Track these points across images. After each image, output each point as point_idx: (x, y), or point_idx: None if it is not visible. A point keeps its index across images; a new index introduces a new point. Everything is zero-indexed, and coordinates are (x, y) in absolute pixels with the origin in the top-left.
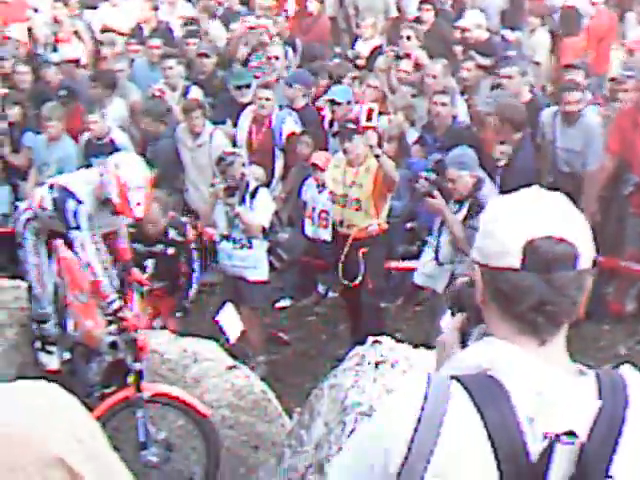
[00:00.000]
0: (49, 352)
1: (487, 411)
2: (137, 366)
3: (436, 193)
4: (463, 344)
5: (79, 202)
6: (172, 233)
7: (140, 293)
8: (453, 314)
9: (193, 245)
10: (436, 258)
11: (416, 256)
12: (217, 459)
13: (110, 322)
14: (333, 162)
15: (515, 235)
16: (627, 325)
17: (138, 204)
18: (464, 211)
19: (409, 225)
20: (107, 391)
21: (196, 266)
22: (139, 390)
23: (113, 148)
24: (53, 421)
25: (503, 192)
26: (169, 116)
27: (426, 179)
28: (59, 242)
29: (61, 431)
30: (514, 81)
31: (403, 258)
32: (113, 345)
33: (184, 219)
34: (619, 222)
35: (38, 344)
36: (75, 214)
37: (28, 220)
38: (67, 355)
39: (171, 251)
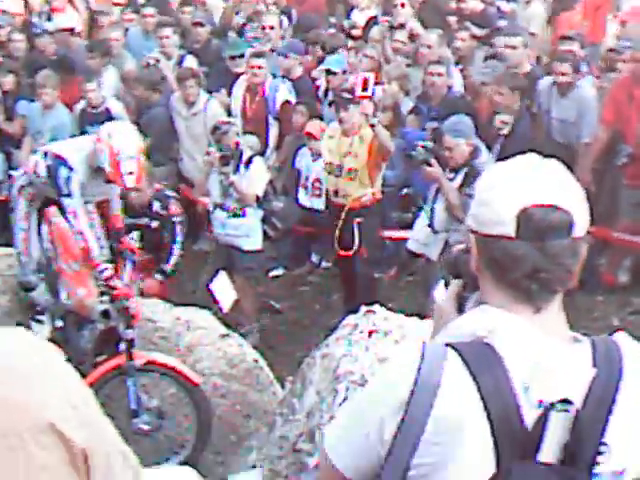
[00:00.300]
0: (39, 321)
1: (482, 378)
2: (129, 334)
3: (433, 161)
4: (460, 311)
5: (71, 170)
6: (156, 206)
7: (132, 262)
8: (447, 284)
9: (176, 219)
10: (430, 225)
11: (410, 224)
12: (208, 427)
13: (102, 291)
14: (328, 132)
15: (509, 203)
16: (620, 296)
17: (130, 173)
18: (460, 179)
19: (404, 191)
20: (99, 359)
21: (178, 239)
22: (131, 358)
23: (108, 117)
24: (48, 387)
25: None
26: (163, 84)
27: (423, 147)
28: (52, 209)
29: (56, 397)
30: (517, 52)
31: (398, 225)
32: (105, 313)
33: (170, 192)
34: (612, 193)
35: (29, 312)
36: (67, 181)
37: (22, 186)
38: (59, 323)
39: (155, 224)
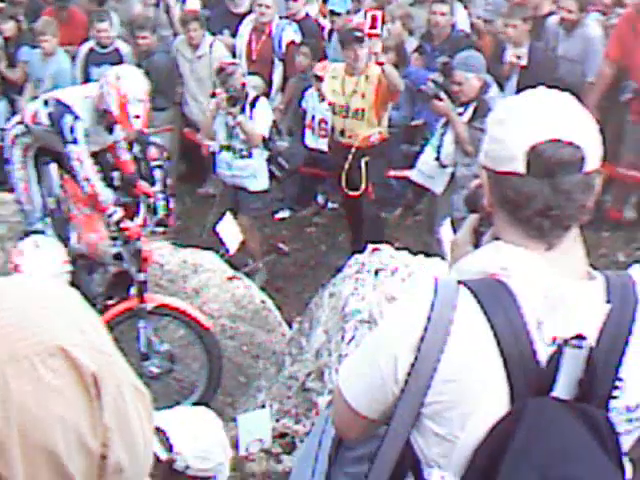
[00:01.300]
0: None
1: (495, 315)
2: (141, 277)
3: (442, 95)
4: (476, 246)
5: (76, 117)
6: (136, 149)
7: (147, 205)
8: (453, 222)
9: (155, 163)
10: (437, 158)
11: (418, 156)
12: (219, 370)
13: (114, 235)
14: (330, 73)
15: (520, 139)
16: (626, 232)
17: (137, 117)
18: (469, 113)
19: (413, 123)
20: (110, 302)
21: (157, 185)
22: (142, 301)
23: (118, 57)
24: (55, 312)
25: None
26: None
27: (433, 81)
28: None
29: (64, 322)
30: None
31: (404, 158)
32: (117, 256)
33: (154, 139)
34: (617, 129)
35: None
36: (72, 129)
37: (17, 136)
38: (69, 268)
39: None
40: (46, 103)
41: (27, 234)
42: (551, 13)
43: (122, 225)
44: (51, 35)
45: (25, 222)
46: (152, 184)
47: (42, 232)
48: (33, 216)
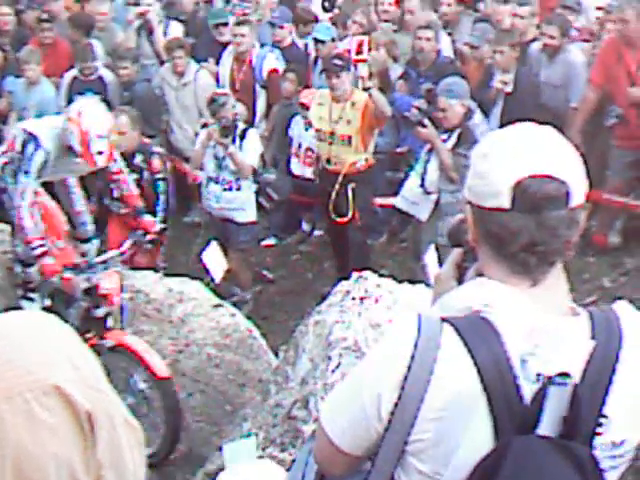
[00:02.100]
0: (30, 299)
1: (479, 353)
2: (98, 313)
3: (426, 122)
4: (460, 280)
5: (37, 147)
6: (138, 159)
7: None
8: (437, 248)
9: (159, 175)
10: (422, 185)
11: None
12: (177, 422)
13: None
14: (317, 100)
15: (504, 175)
16: (611, 257)
17: (100, 153)
18: (453, 140)
19: (397, 150)
20: (88, 336)
21: (161, 198)
22: (102, 338)
23: (101, 85)
24: (50, 349)
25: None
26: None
27: (417, 108)
28: (40, 189)
29: (58, 359)
30: (524, 21)
31: (389, 185)
32: (87, 291)
33: (156, 149)
34: (602, 154)
35: (20, 291)
36: (30, 158)
37: (6, 163)
38: (47, 302)
39: (133, 177)
40: (23, 131)
41: (20, 261)
42: (535, 39)
43: (41, 261)
44: (35, 64)
45: (20, 248)
46: (156, 196)
47: (32, 261)
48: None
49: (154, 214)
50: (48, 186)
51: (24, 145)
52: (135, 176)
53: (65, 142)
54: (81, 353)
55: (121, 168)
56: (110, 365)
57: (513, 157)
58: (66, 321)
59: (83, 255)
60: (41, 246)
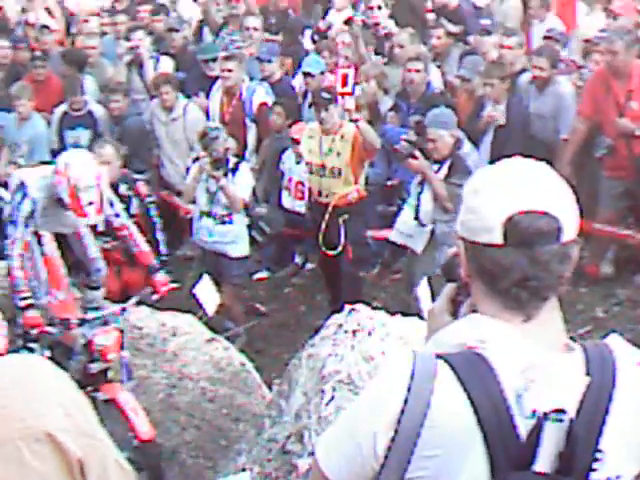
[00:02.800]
0: (30, 349)
1: (474, 390)
2: (92, 368)
3: (417, 153)
4: (455, 315)
5: (25, 195)
6: (122, 188)
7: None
8: (430, 280)
9: (149, 200)
10: (416, 217)
11: (394, 217)
12: None
13: (82, 321)
14: (307, 133)
15: (496, 210)
16: (603, 288)
17: (90, 203)
18: (444, 170)
19: (389, 183)
20: (89, 389)
21: (156, 220)
22: (97, 390)
23: (91, 120)
24: (44, 397)
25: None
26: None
27: (406, 141)
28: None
29: (52, 407)
30: (512, 52)
31: (381, 219)
32: (86, 345)
33: (136, 176)
34: (592, 185)
35: (20, 341)
36: (17, 207)
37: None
38: (47, 353)
39: (122, 207)
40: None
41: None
42: (524, 70)
43: (25, 313)
44: (26, 99)
45: (26, 294)
46: (152, 223)
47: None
48: (40, 291)
49: (155, 241)
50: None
51: (14, 192)
52: (123, 206)
53: (54, 194)
54: (74, 400)
55: (124, 223)
56: (109, 418)
57: (505, 192)
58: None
59: (89, 303)
60: (26, 298)
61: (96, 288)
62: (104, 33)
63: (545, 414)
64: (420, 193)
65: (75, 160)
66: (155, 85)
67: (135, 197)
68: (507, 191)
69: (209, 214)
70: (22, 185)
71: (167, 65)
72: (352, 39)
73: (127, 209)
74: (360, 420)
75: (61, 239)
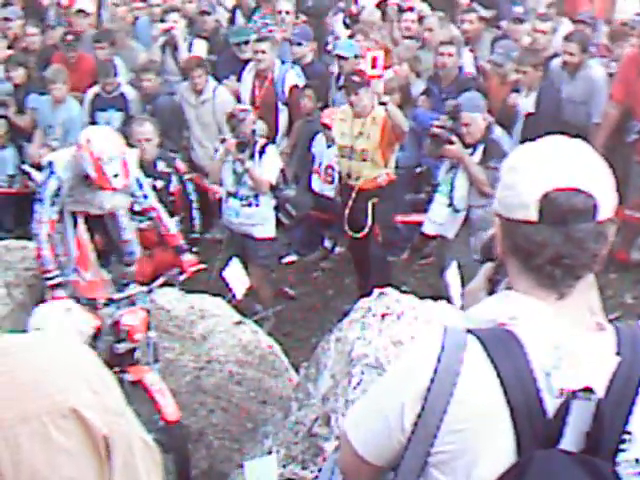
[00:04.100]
0: None
1: (502, 366)
2: (119, 348)
3: (454, 138)
4: (492, 293)
5: (51, 173)
6: (161, 165)
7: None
8: (459, 265)
9: (186, 176)
10: (450, 204)
11: (423, 205)
12: (186, 472)
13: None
14: (338, 115)
15: (533, 187)
16: (633, 274)
17: (115, 175)
18: (479, 154)
19: (417, 170)
20: (115, 370)
21: (193, 197)
22: (124, 372)
23: (123, 102)
24: (70, 373)
25: (527, 138)
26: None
27: (441, 127)
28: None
29: (77, 383)
30: (546, 36)
31: (411, 208)
32: (114, 325)
33: (173, 154)
34: (623, 171)
35: None
36: (44, 186)
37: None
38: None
39: (160, 184)
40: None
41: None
42: (555, 55)
43: (53, 292)
44: (61, 83)
45: (55, 274)
46: (187, 198)
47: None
48: (69, 267)
49: (190, 219)
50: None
51: (42, 172)
52: (160, 183)
53: (80, 171)
54: (100, 377)
55: (152, 205)
56: (136, 399)
57: (541, 169)
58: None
59: (124, 277)
60: (55, 277)
61: (128, 265)
62: (136, 16)
63: (573, 393)
64: (453, 179)
65: (97, 134)
66: (187, 68)
67: (174, 174)
68: (544, 168)
69: (235, 195)
70: (50, 164)
71: (201, 48)
72: (387, 22)
73: (167, 186)
74: (388, 393)
75: (97, 220)
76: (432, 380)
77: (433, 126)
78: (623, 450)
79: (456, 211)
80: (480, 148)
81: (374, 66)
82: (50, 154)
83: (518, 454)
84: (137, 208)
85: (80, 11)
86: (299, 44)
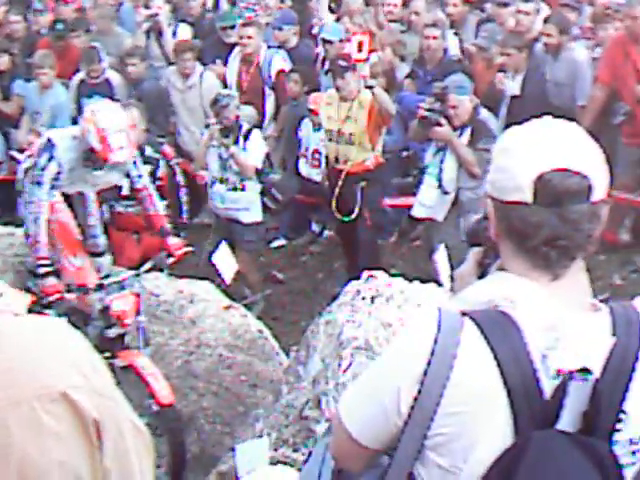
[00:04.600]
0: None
1: (499, 348)
2: (109, 333)
3: (443, 121)
4: (481, 277)
5: (52, 157)
6: (148, 150)
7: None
8: (447, 247)
9: (174, 161)
10: (439, 186)
11: (411, 188)
12: (180, 449)
13: (100, 286)
14: (325, 100)
15: (526, 169)
16: (621, 255)
17: (120, 147)
18: (467, 136)
19: (404, 154)
20: (104, 355)
21: (181, 181)
22: (114, 357)
23: (109, 88)
24: (59, 357)
25: (513, 121)
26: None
27: (429, 110)
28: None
29: (67, 366)
30: (529, 17)
31: (398, 191)
32: (103, 310)
33: (160, 139)
34: (610, 152)
35: (36, 309)
36: (42, 169)
37: (27, 169)
38: (64, 320)
39: (147, 169)
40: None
41: (32, 272)
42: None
43: (44, 281)
44: (48, 68)
45: (49, 261)
46: (175, 183)
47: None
48: (57, 253)
49: (178, 204)
50: (65, 197)
51: (40, 153)
52: (150, 168)
53: (85, 146)
54: (89, 360)
55: (146, 184)
56: (126, 384)
57: (535, 151)
58: None
59: (97, 271)
60: (48, 265)
61: (99, 254)
62: (120, 4)
63: (570, 373)
64: (442, 161)
65: (101, 107)
66: (177, 52)
67: (162, 159)
68: (538, 150)
69: (221, 180)
70: (50, 145)
71: (185, 33)
72: (371, 6)
73: (154, 172)
74: (384, 376)
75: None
76: (429, 363)
77: (420, 108)
78: (619, 430)
79: (445, 193)
80: (467, 130)
81: (360, 50)
82: (50, 131)
83: (516, 435)
84: (125, 192)
85: None
86: (280, 29)
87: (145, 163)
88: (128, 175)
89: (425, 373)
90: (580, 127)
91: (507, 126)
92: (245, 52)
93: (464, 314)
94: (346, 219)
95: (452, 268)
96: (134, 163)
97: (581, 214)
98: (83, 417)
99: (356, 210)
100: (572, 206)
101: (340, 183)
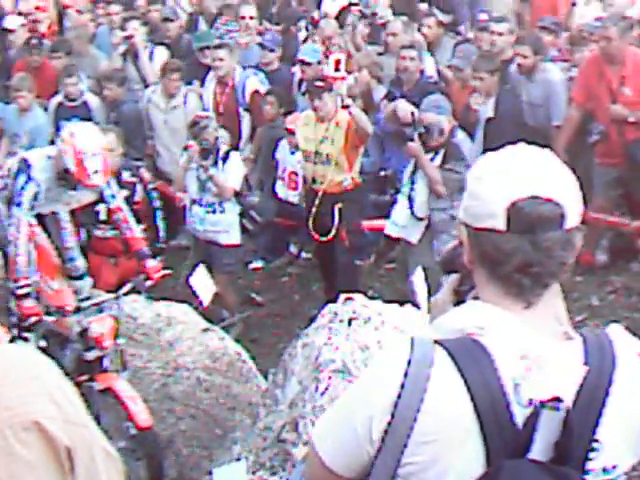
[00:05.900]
0: (25, 339)
1: (471, 377)
2: (88, 355)
3: (415, 137)
4: (458, 305)
5: (29, 178)
6: (125, 175)
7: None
8: (424, 269)
9: (151, 186)
10: (411, 208)
11: (388, 207)
12: (159, 478)
13: (78, 309)
14: (302, 121)
15: (499, 196)
16: (598, 276)
17: (96, 172)
18: (439, 158)
19: (382, 173)
20: (82, 378)
21: (157, 205)
22: (92, 380)
23: (87, 111)
24: (31, 385)
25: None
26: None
27: (408, 124)
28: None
29: (39, 395)
30: (503, 38)
31: (375, 208)
32: (82, 333)
33: (137, 163)
34: (586, 172)
35: (15, 330)
36: (21, 190)
37: (1, 188)
38: (43, 343)
39: (124, 193)
40: (21, 159)
41: (13, 295)
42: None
43: (21, 302)
44: (27, 91)
45: (27, 282)
46: (153, 210)
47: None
48: (29, 272)
49: (155, 228)
50: (39, 219)
51: (17, 174)
52: (124, 192)
53: (60, 167)
54: (61, 387)
55: (120, 205)
56: (105, 407)
57: (508, 178)
58: (60, 362)
59: (75, 293)
60: (25, 286)
61: (79, 278)
62: (99, 24)
63: (542, 402)
64: (413, 183)
65: (80, 129)
66: (164, 71)
67: (139, 183)
68: (510, 177)
69: (200, 202)
70: (26, 165)
71: (162, 55)
72: (350, 28)
73: (131, 196)
74: (356, 404)
75: (40, 224)
76: (400, 392)
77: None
78: (591, 459)
79: (418, 218)
80: (441, 152)
81: (337, 68)
82: (24, 152)
83: (487, 464)
84: (102, 217)
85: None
86: (272, 50)
87: (122, 187)
88: (102, 195)
89: (397, 403)
90: (552, 148)
91: (485, 149)
92: (218, 74)
93: (436, 342)
94: (323, 238)
95: (429, 290)
96: (107, 183)
97: (554, 241)
98: (55, 445)
99: (333, 231)
100: (545, 233)
101: (317, 203)
